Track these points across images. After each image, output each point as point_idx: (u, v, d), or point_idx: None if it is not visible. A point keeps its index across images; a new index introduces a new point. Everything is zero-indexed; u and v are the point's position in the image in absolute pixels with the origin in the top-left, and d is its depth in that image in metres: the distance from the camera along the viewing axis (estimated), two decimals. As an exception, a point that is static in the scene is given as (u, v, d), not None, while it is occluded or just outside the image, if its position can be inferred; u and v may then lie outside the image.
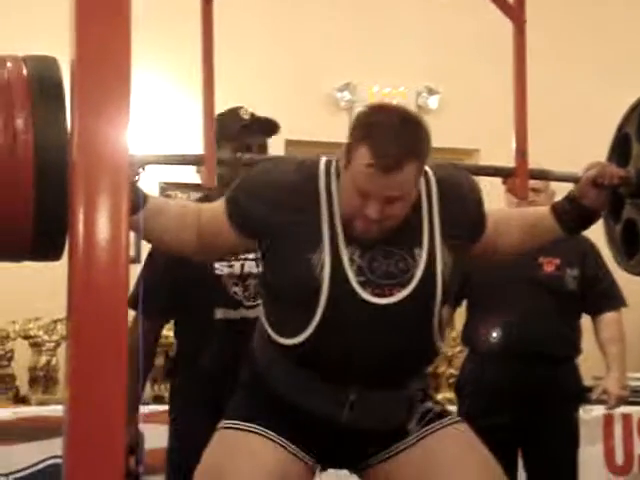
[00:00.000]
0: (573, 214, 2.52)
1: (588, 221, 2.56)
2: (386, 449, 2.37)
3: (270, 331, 2.33)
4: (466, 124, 5.65)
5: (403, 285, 2.25)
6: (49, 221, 1.91)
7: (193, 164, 2.70)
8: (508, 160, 2.79)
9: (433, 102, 5.72)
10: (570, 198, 2.54)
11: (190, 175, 4.13)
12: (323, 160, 2.33)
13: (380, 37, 5.44)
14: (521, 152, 2.69)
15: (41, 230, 1.92)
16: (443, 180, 2.35)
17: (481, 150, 5.69)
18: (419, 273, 2.26)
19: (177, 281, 2.83)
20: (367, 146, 2.15)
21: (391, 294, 2.24)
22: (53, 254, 2.00)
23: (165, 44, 5.33)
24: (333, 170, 2.30)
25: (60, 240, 1.93)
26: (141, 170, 2.37)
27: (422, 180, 2.31)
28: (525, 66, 2.75)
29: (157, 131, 5.35)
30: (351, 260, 2.24)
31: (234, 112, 3.00)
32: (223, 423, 2.37)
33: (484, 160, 5.54)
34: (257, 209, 2.29)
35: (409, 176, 2.18)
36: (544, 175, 2.87)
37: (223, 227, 2.34)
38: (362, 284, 2.23)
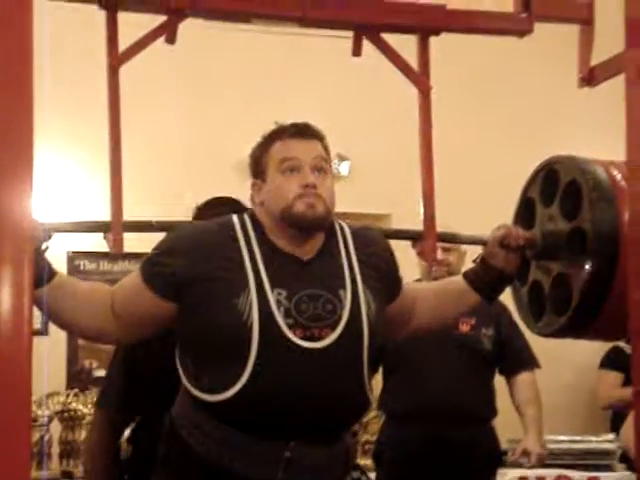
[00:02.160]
0: (485, 277, 2.55)
1: (500, 283, 2.58)
2: None
3: (194, 390, 2.26)
4: (377, 189, 5.70)
5: (331, 327, 2.24)
6: None
7: (102, 231, 2.65)
8: (419, 224, 2.81)
9: (344, 168, 5.76)
10: (480, 261, 2.57)
11: (98, 244, 4.08)
12: (234, 215, 2.36)
13: (289, 105, 5.47)
14: (429, 216, 2.73)
15: None
16: (358, 233, 2.40)
17: (392, 215, 5.73)
18: (345, 314, 2.26)
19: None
20: (278, 138, 2.33)
21: (320, 336, 2.23)
22: None
23: (73, 113, 5.30)
24: (247, 220, 2.33)
25: None
26: (47, 239, 2.30)
27: (337, 229, 2.37)
28: (431, 131, 2.80)
29: (62, 204, 5.29)
30: (278, 302, 2.22)
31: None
32: None
33: (396, 225, 5.58)
34: (178, 264, 2.25)
35: (321, 148, 2.34)
36: (452, 238, 2.91)
37: (142, 297, 2.27)
38: (290, 326, 2.21)
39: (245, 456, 2.24)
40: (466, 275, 2.58)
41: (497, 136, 5.97)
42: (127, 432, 2.89)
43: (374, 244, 2.41)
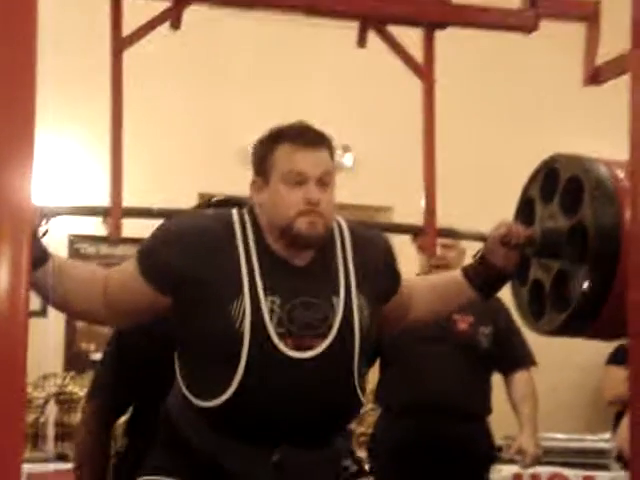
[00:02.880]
0: (483, 274, 2.54)
1: (499, 281, 2.57)
2: None
3: (187, 393, 2.26)
4: (380, 182, 5.69)
5: (322, 336, 2.23)
6: None
7: (101, 215, 2.65)
8: (421, 216, 2.81)
9: (347, 160, 5.75)
10: (479, 257, 2.56)
11: (99, 227, 4.08)
12: (234, 211, 2.32)
13: (294, 96, 5.46)
14: (430, 211, 2.72)
15: None
16: (356, 232, 2.38)
17: (394, 207, 5.73)
18: (337, 323, 2.24)
19: None
20: (285, 141, 2.26)
21: (311, 346, 2.22)
22: None
23: (74, 97, 5.29)
24: (247, 218, 2.30)
25: None
26: (46, 222, 2.30)
27: (336, 229, 2.34)
28: (434, 125, 2.79)
29: (64, 186, 5.28)
30: (271, 311, 2.21)
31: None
32: (142, 478, 2.31)
33: (397, 217, 5.59)
34: (173, 258, 2.23)
35: (328, 158, 2.29)
36: (452, 234, 2.90)
37: (135, 286, 2.25)
38: (281, 336, 2.20)
39: (236, 458, 2.24)
40: (464, 271, 2.56)
41: (500, 128, 5.96)
42: (122, 424, 2.90)
43: (372, 245, 2.39)
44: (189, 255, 2.23)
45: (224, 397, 2.19)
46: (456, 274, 2.60)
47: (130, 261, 2.30)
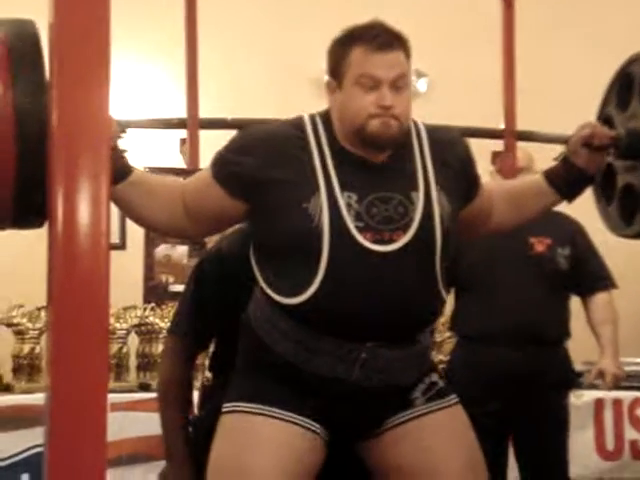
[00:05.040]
0: (565, 175, 2.50)
1: (581, 183, 2.53)
2: (391, 417, 2.33)
3: (271, 293, 2.27)
4: (456, 107, 5.60)
5: (403, 229, 2.22)
6: (30, 187, 1.88)
7: (177, 127, 2.62)
8: (497, 143, 2.75)
9: (422, 85, 5.67)
10: (562, 159, 2.52)
11: (173, 159, 4.08)
12: (305, 114, 2.33)
13: (368, 19, 5.40)
14: (510, 132, 2.65)
15: (22, 196, 1.89)
16: (434, 131, 2.37)
17: (470, 134, 5.65)
18: (418, 216, 2.24)
19: None
20: (359, 43, 2.23)
21: (391, 239, 2.22)
22: (34, 221, 1.96)
23: (148, 17, 5.27)
24: (318, 120, 2.30)
25: (41, 206, 1.89)
26: (122, 134, 2.29)
27: (412, 127, 2.33)
28: (513, 44, 2.72)
29: (141, 107, 5.28)
30: (348, 205, 2.21)
31: None
32: (226, 407, 2.33)
33: (474, 145, 5.52)
34: (247, 164, 2.25)
35: (403, 60, 2.25)
36: (531, 137, 2.83)
37: (212, 193, 2.29)
38: (361, 230, 2.20)
39: (320, 355, 2.25)
40: (546, 174, 2.53)
41: (579, 52, 5.83)
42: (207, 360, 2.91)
43: (451, 144, 2.38)
44: (262, 159, 2.24)
45: (308, 294, 2.21)
46: (537, 177, 2.56)
47: (204, 170, 2.34)
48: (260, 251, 2.33)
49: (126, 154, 2.27)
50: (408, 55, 2.28)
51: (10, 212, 1.95)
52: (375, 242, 2.21)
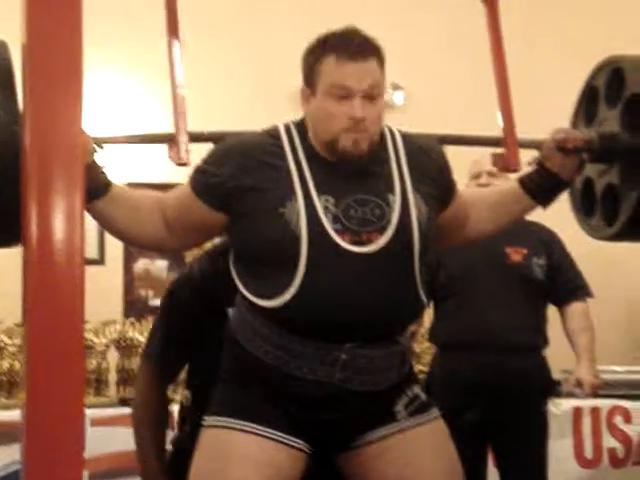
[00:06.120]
0: (540, 181, 2.52)
1: (556, 188, 2.55)
2: (373, 429, 2.34)
3: (250, 297, 2.28)
4: (432, 121, 5.60)
5: (380, 231, 2.24)
6: (3, 210, 1.88)
7: (165, 142, 2.59)
8: (475, 155, 2.74)
9: (398, 98, 5.69)
10: (535, 164, 2.54)
11: (158, 174, 4.05)
12: (280, 123, 2.35)
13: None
14: (507, 121, 2.62)
15: None
16: (409, 137, 2.39)
17: (448, 147, 5.65)
18: (395, 218, 2.25)
19: None
20: (331, 51, 2.24)
21: (369, 240, 2.23)
22: (9, 242, 1.97)
23: (123, 30, 5.27)
24: (293, 128, 2.32)
25: (15, 227, 1.89)
26: (98, 149, 2.29)
27: (387, 134, 2.35)
28: (501, 41, 2.67)
29: (120, 121, 5.29)
30: (325, 208, 2.23)
31: None
32: (206, 421, 2.34)
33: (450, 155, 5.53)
34: (224, 174, 2.27)
35: (376, 69, 2.25)
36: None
37: (192, 206, 2.31)
38: (339, 232, 2.22)
39: (302, 358, 2.26)
40: (521, 180, 2.55)
41: (557, 60, 5.85)
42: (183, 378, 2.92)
43: (426, 149, 2.39)
44: (239, 168, 2.26)
45: (287, 296, 2.22)
46: (513, 184, 2.58)
47: (183, 185, 2.35)
48: (239, 257, 2.34)
49: (104, 169, 2.28)
50: (382, 63, 2.29)
51: None
52: (353, 244, 2.22)
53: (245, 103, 5.39)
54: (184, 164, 2.42)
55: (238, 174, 2.26)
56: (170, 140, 2.43)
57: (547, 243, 3.84)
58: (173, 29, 2.51)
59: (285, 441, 2.28)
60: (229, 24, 5.51)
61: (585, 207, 2.70)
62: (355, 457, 2.36)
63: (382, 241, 2.24)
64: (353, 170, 2.29)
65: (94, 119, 4.30)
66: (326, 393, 2.28)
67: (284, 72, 5.46)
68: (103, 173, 2.27)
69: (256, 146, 2.30)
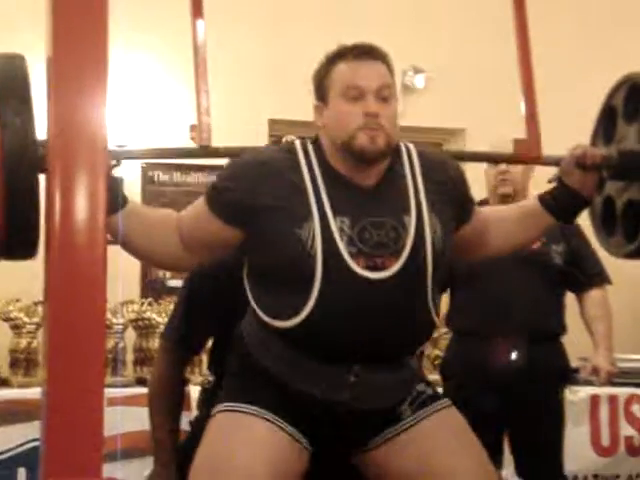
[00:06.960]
0: (560, 198, 2.50)
1: (577, 206, 2.53)
2: (380, 433, 2.34)
3: (262, 315, 2.29)
4: (452, 103, 5.60)
5: (395, 256, 2.23)
6: (21, 225, 1.89)
7: (172, 157, 2.60)
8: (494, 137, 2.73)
9: (419, 81, 5.67)
10: (555, 182, 2.52)
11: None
12: (297, 140, 2.35)
13: (363, 16, 5.39)
14: (531, 115, 2.60)
15: (13, 230, 1.90)
16: (425, 153, 2.38)
17: (467, 129, 5.64)
18: (410, 241, 2.24)
19: None
20: (340, 59, 2.27)
21: (384, 266, 2.22)
22: (26, 253, 1.98)
23: (150, 25, 5.29)
24: (309, 145, 2.32)
25: (33, 239, 1.91)
26: (117, 164, 2.30)
27: (404, 151, 2.34)
28: (526, 26, 2.64)
29: (143, 117, 5.30)
30: (341, 230, 2.22)
31: None
32: (217, 407, 2.34)
33: (470, 139, 5.52)
34: (240, 190, 2.26)
35: (385, 72, 2.28)
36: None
37: (208, 223, 2.30)
38: (353, 255, 2.21)
39: (312, 378, 2.27)
40: (541, 197, 2.53)
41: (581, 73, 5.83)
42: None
43: (442, 166, 2.38)
44: (255, 185, 2.25)
45: (299, 318, 2.22)
46: (532, 201, 2.56)
47: (199, 200, 2.34)
48: (253, 273, 2.34)
49: (122, 183, 2.26)
50: (391, 70, 2.31)
51: (3, 244, 1.96)
52: (367, 268, 2.21)
53: (265, 89, 5.37)
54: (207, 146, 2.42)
55: (254, 190, 2.25)
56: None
57: (566, 230, 3.82)
58: (197, 10, 2.52)
59: (293, 434, 2.28)
60: (251, 15, 5.50)
61: (606, 226, 2.67)
62: (367, 460, 2.38)
63: (396, 267, 2.23)
64: (369, 189, 2.28)
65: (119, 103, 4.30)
66: (333, 411, 2.29)
67: (302, 60, 5.50)
68: (121, 188, 2.25)
69: (272, 162, 2.29)
